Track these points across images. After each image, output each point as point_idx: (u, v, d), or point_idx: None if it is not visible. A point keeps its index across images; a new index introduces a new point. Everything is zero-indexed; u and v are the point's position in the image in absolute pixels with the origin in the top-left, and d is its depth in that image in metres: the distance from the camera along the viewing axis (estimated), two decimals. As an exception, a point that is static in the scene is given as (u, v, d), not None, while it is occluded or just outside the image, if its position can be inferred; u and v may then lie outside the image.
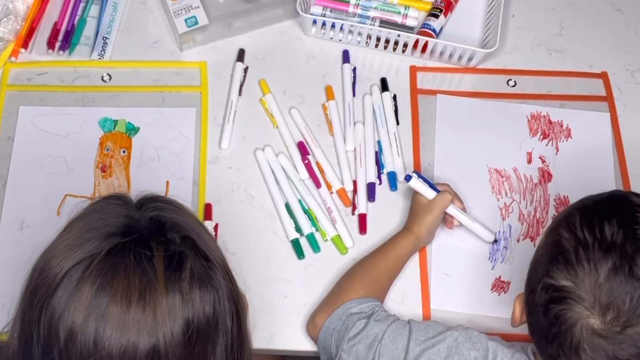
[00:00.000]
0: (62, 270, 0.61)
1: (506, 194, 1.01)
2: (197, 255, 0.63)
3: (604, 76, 1.10)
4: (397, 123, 1.04)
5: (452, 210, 0.93)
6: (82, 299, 0.59)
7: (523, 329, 0.87)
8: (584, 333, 0.68)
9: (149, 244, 0.61)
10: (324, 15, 1.09)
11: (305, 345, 0.90)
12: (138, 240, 0.61)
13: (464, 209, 0.95)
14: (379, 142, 1.03)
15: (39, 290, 0.62)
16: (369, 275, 0.90)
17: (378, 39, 1.08)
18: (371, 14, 1.10)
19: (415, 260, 0.95)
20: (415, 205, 0.94)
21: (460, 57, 1.07)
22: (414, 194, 0.95)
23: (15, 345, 0.64)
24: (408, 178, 0.93)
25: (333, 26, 1.08)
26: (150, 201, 0.66)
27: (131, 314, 0.59)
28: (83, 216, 0.65)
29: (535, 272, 0.74)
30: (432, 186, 0.93)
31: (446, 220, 0.95)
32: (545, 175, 1.02)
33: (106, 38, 1.08)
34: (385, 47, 1.09)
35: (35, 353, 0.62)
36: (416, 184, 0.93)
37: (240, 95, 1.06)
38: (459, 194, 0.96)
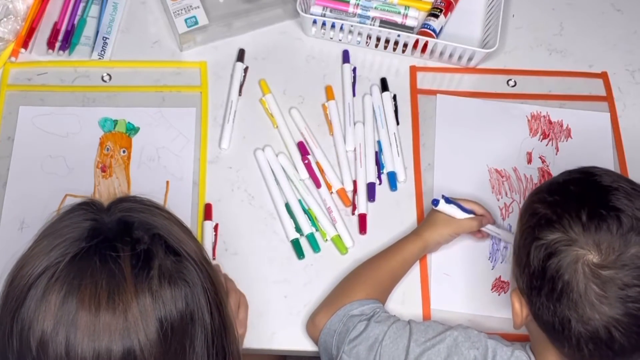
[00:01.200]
0: (29, 281, 0.60)
1: (506, 194, 1.01)
2: (166, 252, 0.62)
3: (604, 76, 1.10)
4: (397, 123, 1.04)
5: (485, 229, 0.94)
6: (50, 307, 0.59)
7: (521, 330, 0.87)
8: (587, 271, 0.69)
9: (115, 245, 0.61)
10: (324, 15, 1.09)
11: (305, 345, 0.90)
12: (103, 242, 0.61)
13: (492, 222, 0.95)
14: (379, 142, 1.03)
15: (9, 301, 0.61)
16: (372, 276, 0.90)
17: (378, 39, 1.08)
18: (371, 14, 1.10)
19: (416, 261, 0.94)
20: (435, 215, 0.93)
21: (460, 57, 1.07)
22: None
23: None
24: (435, 203, 0.91)
25: (333, 26, 1.08)
26: (119, 202, 0.66)
27: (101, 317, 0.58)
28: (51, 225, 0.65)
29: (522, 250, 0.74)
30: (460, 207, 0.92)
31: (475, 233, 0.95)
32: (545, 175, 1.02)
33: (106, 38, 1.08)
34: (385, 47, 1.09)
35: None
36: (444, 207, 0.91)
37: (240, 95, 1.06)
38: (460, 194, 0.96)
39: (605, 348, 0.70)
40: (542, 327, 0.74)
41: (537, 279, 0.72)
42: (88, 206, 0.65)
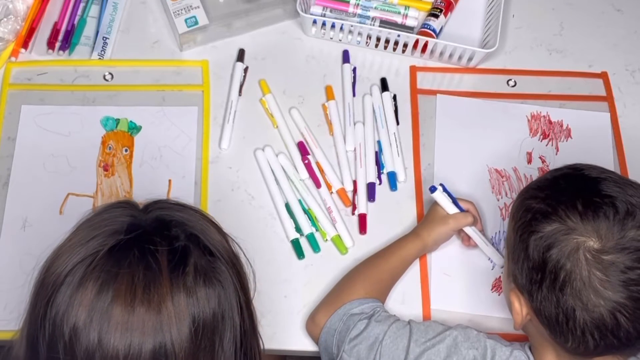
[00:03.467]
0: (66, 268, 0.61)
1: (506, 194, 1.01)
2: (201, 251, 0.63)
3: (604, 76, 1.10)
4: (397, 123, 1.04)
5: (469, 231, 0.93)
6: (86, 295, 0.60)
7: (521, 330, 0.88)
8: (589, 257, 0.69)
9: (153, 239, 0.62)
10: (324, 15, 1.09)
11: (306, 345, 0.90)
12: (142, 236, 0.62)
13: (481, 230, 0.95)
14: (379, 142, 1.03)
15: (44, 287, 0.62)
16: (372, 275, 0.91)
17: (378, 39, 1.08)
18: (371, 14, 1.10)
19: (415, 260, 0.95)
20: (431, 213, 0.94)
21: (460, 57, 1.07)
22: (435, 203, 0.94)
23: (23, 343, 0.64)
24: (433, 189, 0.92)
25: (333, 26, 1.08)
26: (156, 203, 0.67)
27: (136, 308, 0.59)
28: (89, 218, 0.66)
29: (519, 246, 0.75)
30: (455, 202, 0.93)
31: (464, 238, 0.95)
32: (545, 175, 1.02)
33: (106, 38, 1.08)
34: (385, 47, 1.09)
35: (41, 350, 0.62)
36: (439, 196, 0.92)
37: (240, 95, 1.06)
38: (460, 194, 0.96)
39: (611, 336, 0.70)
40: (544, 323, 0.74)
41: (537, 271, 0.72)
42: (126, 204, 0.67)
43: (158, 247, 0.61)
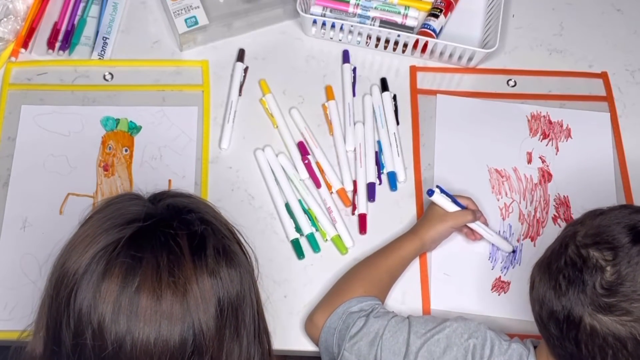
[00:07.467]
0: (87, 257, 0.61)
1: (506, 194, 1.01)
2: (217, 235, 0.65)
3: (604, 76, 1.10)
4: (397, 123, 1.04)
5: (473, 224, 0.93)
6: (112, 282, 0.60)
7: (521, 330, 0.88)
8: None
9: (171, 224, 0.62)
10: (324, 15, 1.09)
11: (305, 345, 0.90)
12: (160, 222, 0.63)
13: (485, 222, 0.95)
14: (379, 142, 1.03)
15: (65, 277, 0.62)
16: (370, 274, 0.91)
17: (378, 39, 1.08)
18: (371, 14, 1.10)
19: (415, 260, 0.95)
20: (430, 212, 0.94)
21: (460, 57, 1.07)
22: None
23: (41, 335, 0.65)
24: (430, 193, 0.92)
25: (333, 26, 1.08)
26: (162, 193, 0.68)
27: (163, 293, 0.59)
28: (100, 210, 0.66)
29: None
30: (454, 200, 0.93)
31: (467, 233, 0.95)
32: (545, 175, 1.02)
33: (106, 38, 1.08)
34: (385, 47, 1.09)
35: (65, 338, 0.62)
36: (438, 198, 0.92)
37: (240, 95, 1.06)
38: (460, 193, 0.96)
39: None
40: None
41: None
42: (133, 196, 0.67)
43: (178, 232, 0.62)
